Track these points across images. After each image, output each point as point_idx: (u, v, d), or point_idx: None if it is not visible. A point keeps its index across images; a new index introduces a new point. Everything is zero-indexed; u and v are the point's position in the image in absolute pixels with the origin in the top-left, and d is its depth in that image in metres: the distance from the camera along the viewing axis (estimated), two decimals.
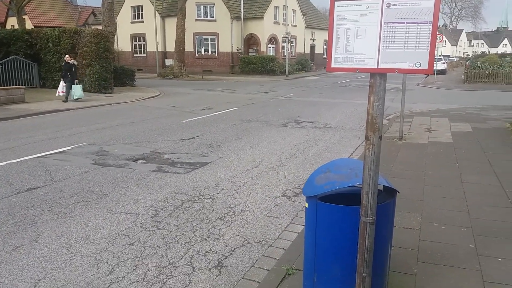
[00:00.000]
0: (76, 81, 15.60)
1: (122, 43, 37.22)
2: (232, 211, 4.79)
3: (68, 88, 15.28)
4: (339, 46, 2.27)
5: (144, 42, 37.68)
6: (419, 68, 2.11)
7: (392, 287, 2.99)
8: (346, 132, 9.66)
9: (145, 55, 37.79)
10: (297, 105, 15.04)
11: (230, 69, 35.09)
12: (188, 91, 20.78)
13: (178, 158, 7.17)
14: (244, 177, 6.07)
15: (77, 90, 15.45)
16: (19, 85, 16.73)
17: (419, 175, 5.90)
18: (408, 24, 2.09)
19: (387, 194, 2.74)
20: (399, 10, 2.11)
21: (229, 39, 34.76)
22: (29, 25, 31.86)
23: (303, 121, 11.22)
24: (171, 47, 33.52)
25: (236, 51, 35.30)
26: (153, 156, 7.35)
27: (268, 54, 35.66)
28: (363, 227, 2.42)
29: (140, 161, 7.03)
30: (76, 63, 16.24)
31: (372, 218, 2.39)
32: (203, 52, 34.33)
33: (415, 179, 5.72)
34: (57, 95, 15.55)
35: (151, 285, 3.25)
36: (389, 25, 2.13)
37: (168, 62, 34.47)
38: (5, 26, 37.23)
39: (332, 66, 2.31)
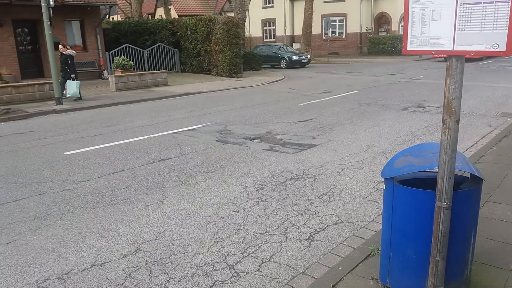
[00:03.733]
0: (73, 76, 12.57)
1: (253, 28, 39.02)
2: (331, 191, 4.97)
3: (63, 84, 12.50)
4: (414, 29, 2.28)
5: (273, 27, 38.90)
6: (497, 50, 2.02)
7: (478, 279, 2.88)
8: (475, 119, 8.80)
9: (274, 39, 38.98)
10: (425, 88, 14.06)
11: (358, 50, 34.05)
12: (311, 74, 20.99)
13: (289, 139, 7.55)
14: (349, 161, 6.15)
15: (71, 86, 12.45)
16: (163, 69, 19.11)
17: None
18: (485, 4, 2.01)
19: (473, 182, 2.64)
20: None
21: (358, 19, 33.66)
22: (174, 14, 35.80)
23: (428, 106, 10.52)
24: (298, 30, 33.95)
25: (365, 31, 34.01)
26: (268, 136, 7.87)
27: (399, 33, 33.49)
28: (438, 212, 2.42)
29: (256, 140, 7.61)
30: (73, 53, 12.88)
31: (447, 203, 2.38)
32: (330, 34, 33.92)
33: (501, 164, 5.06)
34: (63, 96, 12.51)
35: (247, 247, 3.70)
36: (465, 6, 2.08)
37: (296, 45, 35.01)
38: (154, 16, 42.51)
39: (408, 48, 2.34)
